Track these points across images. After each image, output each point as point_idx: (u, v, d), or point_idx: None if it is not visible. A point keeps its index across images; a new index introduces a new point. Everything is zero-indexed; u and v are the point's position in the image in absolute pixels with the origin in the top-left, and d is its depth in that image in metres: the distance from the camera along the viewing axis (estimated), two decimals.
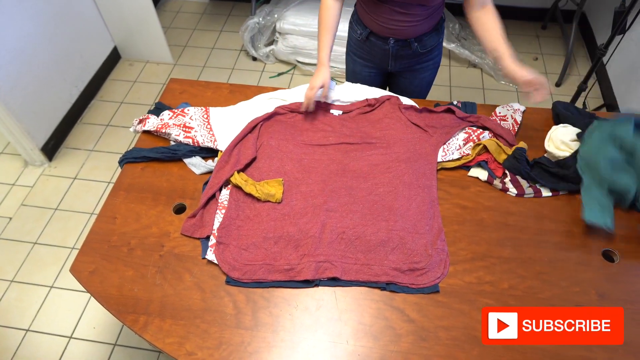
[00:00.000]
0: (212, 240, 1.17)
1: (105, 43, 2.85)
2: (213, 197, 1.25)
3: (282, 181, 1.25)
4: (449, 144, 1.34)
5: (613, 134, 1.21)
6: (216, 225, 1.19)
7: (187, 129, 1.37)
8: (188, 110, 1.43)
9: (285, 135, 1.36)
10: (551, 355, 0.99)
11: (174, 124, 1.38)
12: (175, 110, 1.43)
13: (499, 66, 1.29)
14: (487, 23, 1.29)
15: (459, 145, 1.34)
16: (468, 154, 1.32)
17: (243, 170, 1.29)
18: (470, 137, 1.34)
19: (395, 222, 1.17)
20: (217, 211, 1.22)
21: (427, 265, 1.11)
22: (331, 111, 1.42)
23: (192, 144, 1.35)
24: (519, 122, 1.41)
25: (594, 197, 1.17)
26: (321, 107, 1.41)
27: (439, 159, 1.32)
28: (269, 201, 1.22)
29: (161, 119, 1.41)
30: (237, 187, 1.25)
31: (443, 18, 1.46)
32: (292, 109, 1.42)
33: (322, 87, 1.35)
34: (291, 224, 1.18)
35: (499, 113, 1.43)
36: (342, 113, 1.41)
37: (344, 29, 1.52)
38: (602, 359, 0.98)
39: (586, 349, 1.00)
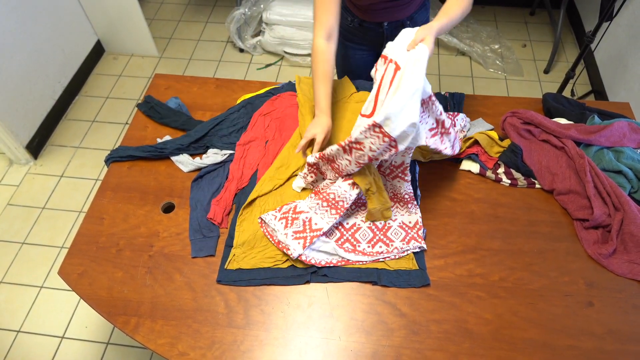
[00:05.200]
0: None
1: (87, 37, 2.79)
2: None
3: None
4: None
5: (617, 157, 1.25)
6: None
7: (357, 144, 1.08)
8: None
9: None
10: (540, 345, 1.00)
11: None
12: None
13: None
14: (448, 3, 1.18)
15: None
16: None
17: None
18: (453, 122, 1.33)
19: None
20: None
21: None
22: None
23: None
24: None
25: None
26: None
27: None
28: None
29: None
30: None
31: None
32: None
33: (314, 137, 1.19)
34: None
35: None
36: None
37: None
38: (589, 347, 1.00)
39: (574, 338, 1.01)
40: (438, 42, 2.91)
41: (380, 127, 0.99)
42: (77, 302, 1.90)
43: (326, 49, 1.22)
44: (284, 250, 1.11)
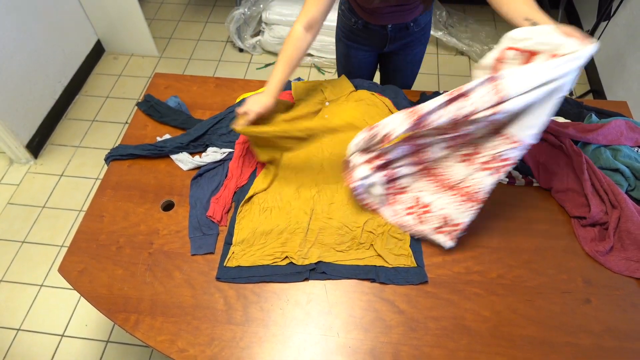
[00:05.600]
0: None
1: (88, 36, 2.79)
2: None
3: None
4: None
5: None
6: None
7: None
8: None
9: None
10: (538, 342, 1.01)
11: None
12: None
13: None
14: (527, 6, 1.02)
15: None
16: None
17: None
18: None
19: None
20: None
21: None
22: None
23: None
24: None
25: None
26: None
27: None
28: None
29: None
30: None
31: None
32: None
33: (248, 111, 1.21)
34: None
35: None
36: None
37: (332, 18, 1.49)
38: (587, 345, 1.00)
39: (572, 335, 1.02)
40: (437, 42, 2.91)
41: (497, 79, 0.91)
42: (77, 301, 1.90)
43: (301, 37, 1.22)
44: (350, 179, 1.16)
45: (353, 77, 1.51)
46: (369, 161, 1.14)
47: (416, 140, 1.11)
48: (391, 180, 1.19)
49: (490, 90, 0.92)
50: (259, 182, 1.26)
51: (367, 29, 1.45)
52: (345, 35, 1.54)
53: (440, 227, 1.13)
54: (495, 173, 1.03)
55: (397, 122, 1.03)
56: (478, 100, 0.93)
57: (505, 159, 1.01)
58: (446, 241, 1.13)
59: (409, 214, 1.16)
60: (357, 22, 1.44)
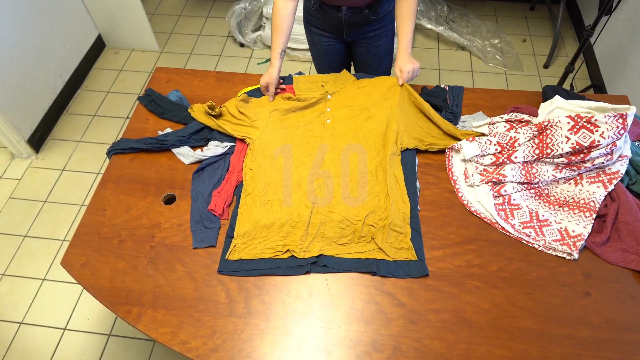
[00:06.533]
0: None
1: (88, 31, 2.79)
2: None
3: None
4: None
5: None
6: None
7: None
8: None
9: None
10: (538, 334, 1.02)
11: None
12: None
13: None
14: (402, 9, 1.37)
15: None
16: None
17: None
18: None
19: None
20: None
21: None
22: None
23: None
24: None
25: None
26: None
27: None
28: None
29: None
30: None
31: None
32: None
33: (267, 85, 1.41)
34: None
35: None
36: None
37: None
38: (586, 336, 1.01)
39: (571, 327, 1.02)
40: (438, 37, 2.91)
41: (625, 117, 1.11)
42: (79, 294, 1.91)
43: (282, 6, 1.40)
44: (450, 180, 1.28)
45: (324, 65, 1.53)
46: (486, 171, 1.26)
47: (530, 167, 1.23)
48: (498, 195, 1.23)
49: (617, 129, 1.12)
50: (255, 179, 1.26)
51: (323, 10, 1.48)
52: (307, 20, 1.58)
53: (561, 239, 1.15)
54: (604, 186, 1.17)
55: (521, 133, 1.24)
56: (604, 134, 1.12)
57: (615, 172, 1.17)
58: (573, 252, 1.12)
59: (526, 227, 1.18)
60: (315, 3, 1.48)
